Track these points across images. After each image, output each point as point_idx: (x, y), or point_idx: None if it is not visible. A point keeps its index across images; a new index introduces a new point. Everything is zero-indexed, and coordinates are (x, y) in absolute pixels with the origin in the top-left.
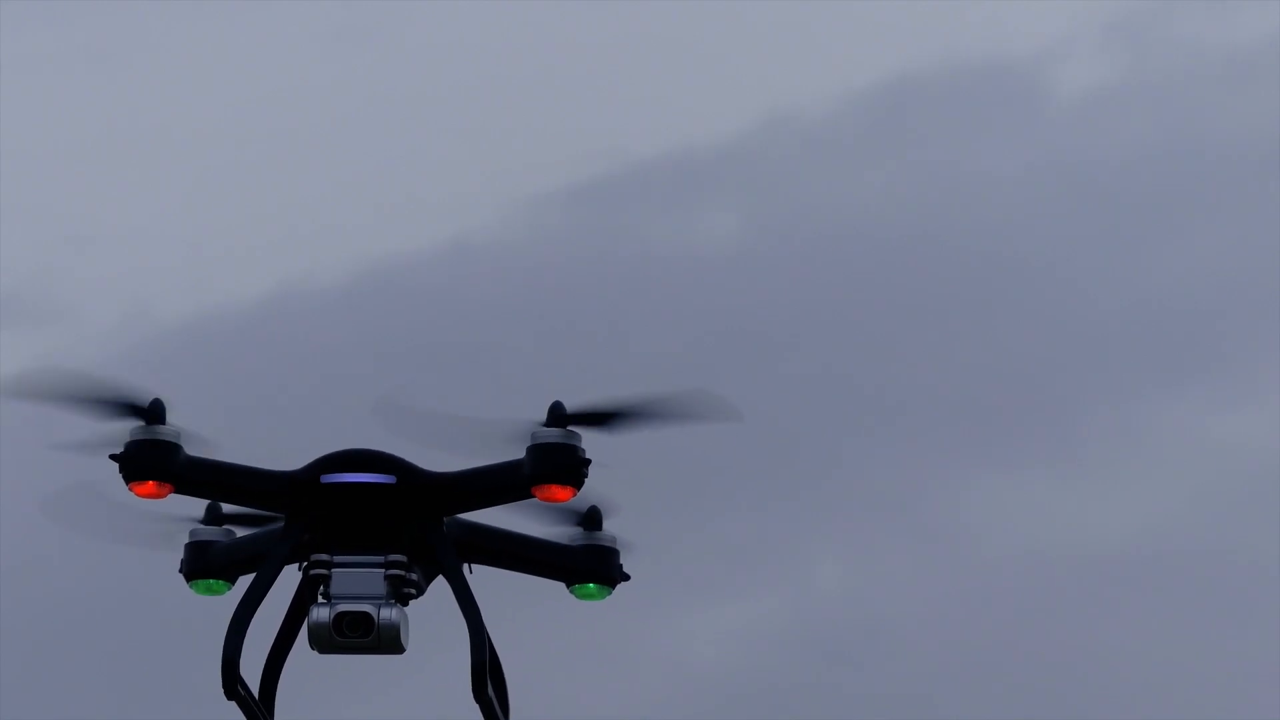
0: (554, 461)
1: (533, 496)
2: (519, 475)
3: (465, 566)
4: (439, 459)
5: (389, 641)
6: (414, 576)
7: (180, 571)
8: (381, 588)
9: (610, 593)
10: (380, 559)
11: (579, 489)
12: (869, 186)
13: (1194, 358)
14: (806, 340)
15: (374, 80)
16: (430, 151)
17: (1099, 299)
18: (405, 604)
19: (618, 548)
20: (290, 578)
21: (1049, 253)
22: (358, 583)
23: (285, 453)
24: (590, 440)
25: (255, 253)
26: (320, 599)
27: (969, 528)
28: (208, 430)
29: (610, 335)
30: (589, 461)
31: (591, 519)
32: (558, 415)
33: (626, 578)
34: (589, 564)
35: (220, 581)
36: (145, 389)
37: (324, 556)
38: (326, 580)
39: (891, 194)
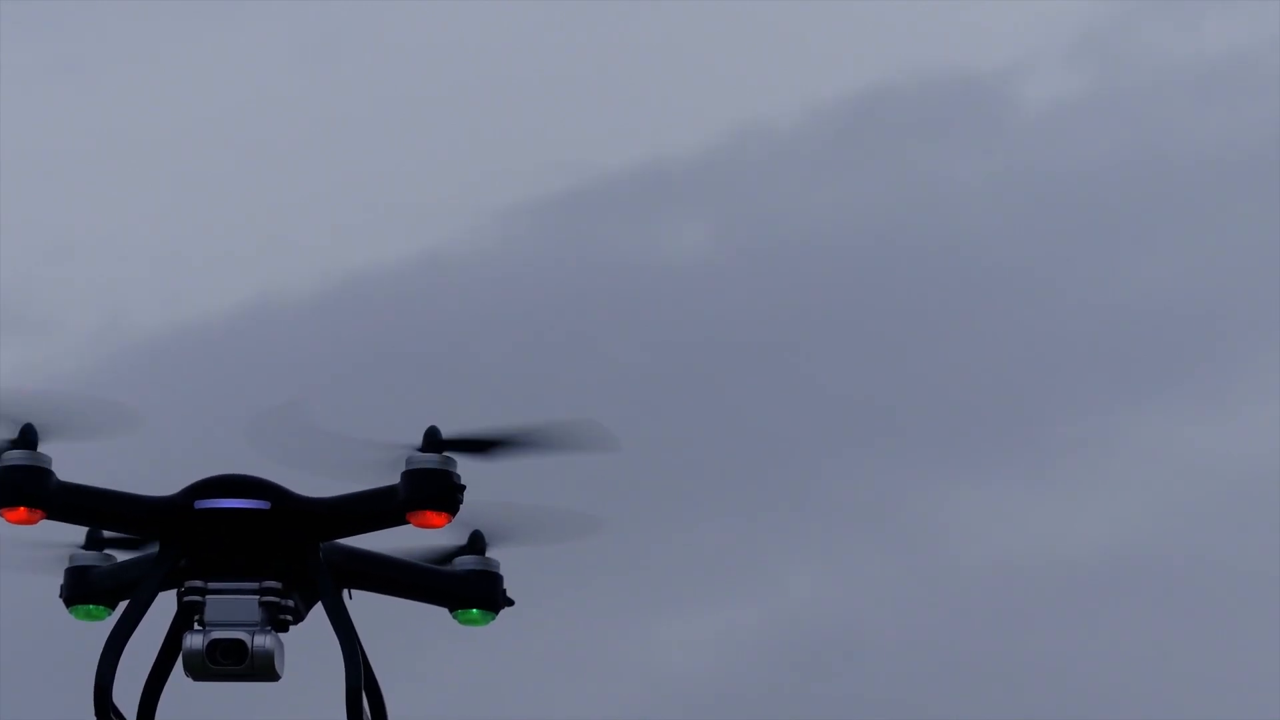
0: (429, 487)
1: (408, 523)
2: (394, 501)
3: (345, 592)
4: (317, 484)
5: (263, 668)
6: (290, 603)
7: (60, 596)
8: (256, 614)
9: (494, 618)
10: (255, 585)
11: (454, 515)
12: (839, 197)
13: (1163, 369)
14: (778, 351)
15: (346, 93)
16: (402, 163)
17: (1069, 310)
18: (284, 630)
19: (500, 572)
20: (171, 603)
21: (1019, 263)
22: (232, 609)
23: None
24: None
25: (231, 264)
26: (195, 626)
27: (942, 537)
28: (182, 439)
29: (582, 345)
30: (464, 487)
31: (475, 543)
32: (433, 440)
33: (510, 603)
34: (472, 589)
35: (99, 607)
36: (122, 397)
37: (198, 583)
38: (201, 607)
39: (861, 205)
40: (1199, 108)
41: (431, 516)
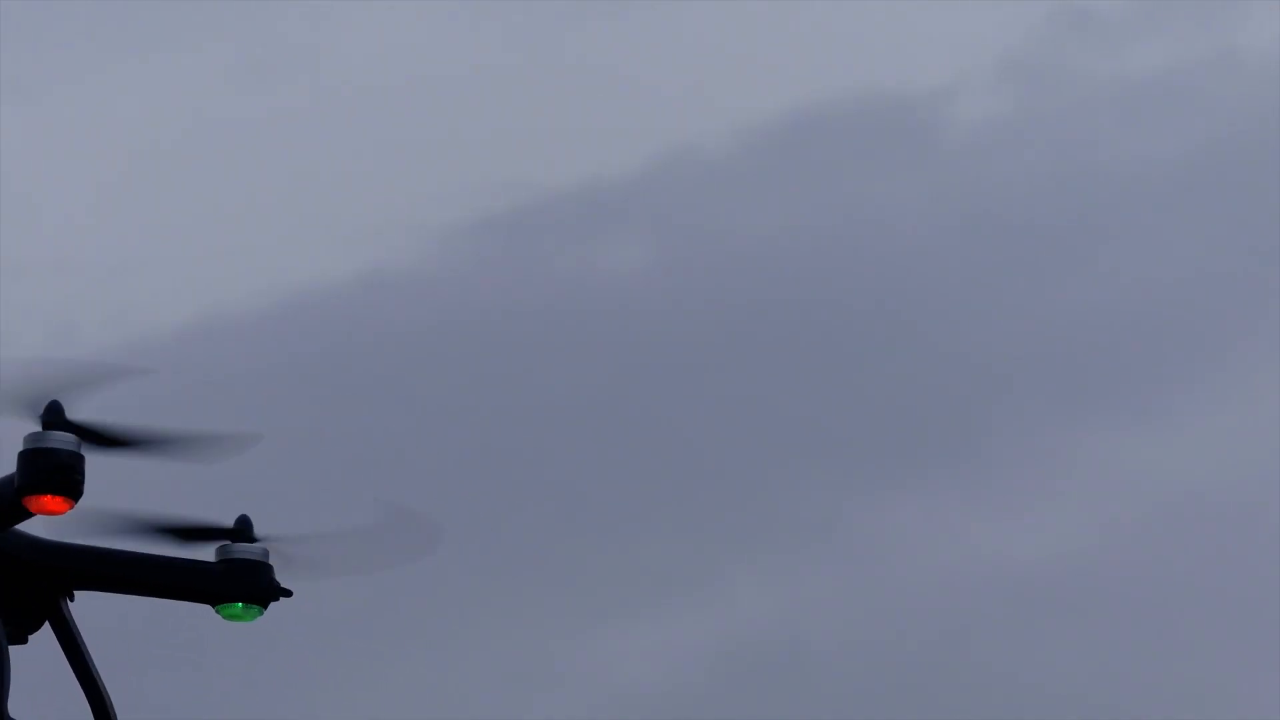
0: (46, 468)
1: (29, 511)
2: (9, 487)
3: (65, 598)
4: None
5: None
6: None
7: None
8: None
9: (261, 612)
10: None
11: (77, 500)
12: (774, 218)
13: (1099, 385)
14: (721, 367)
15: (289, 112)
16: (345, 182)
17: (1005, 327)
18: None
19: (269, 561)
20: None
21: (957, 280)
22: None
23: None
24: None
25: (177, 280)
26: None
27: (886, 551)
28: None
29: (523, 363)
30: (81, 468)
31: (240, 530)
32: (55, 418)
33: (287, 593)
34: (233, 582)
35: None
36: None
37: None
38: None
39: (798, 224)
40: (1123, 128)
41: (49, 502)
